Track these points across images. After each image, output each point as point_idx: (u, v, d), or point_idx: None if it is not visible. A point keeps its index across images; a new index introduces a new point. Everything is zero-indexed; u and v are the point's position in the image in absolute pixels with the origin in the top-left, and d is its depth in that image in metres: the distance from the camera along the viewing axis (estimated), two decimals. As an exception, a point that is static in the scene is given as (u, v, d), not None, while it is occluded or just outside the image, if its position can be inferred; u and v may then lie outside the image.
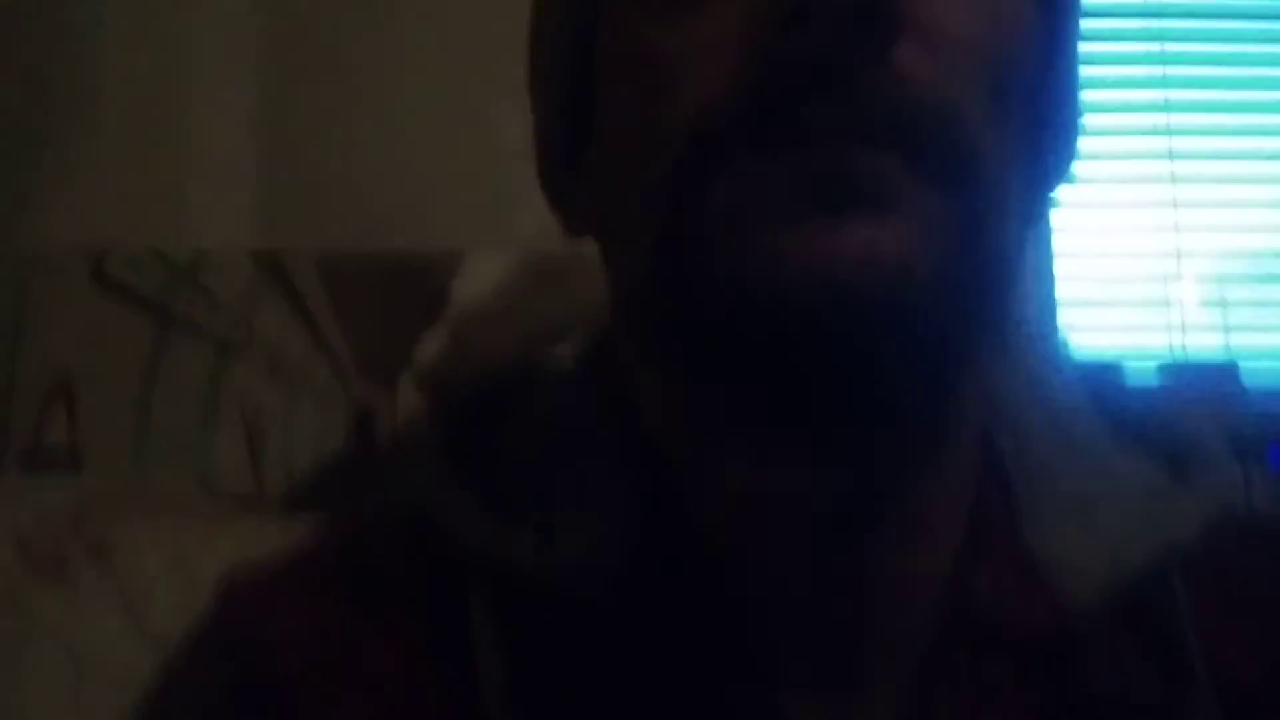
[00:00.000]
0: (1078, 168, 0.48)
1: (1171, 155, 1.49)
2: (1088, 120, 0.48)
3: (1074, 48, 0.46)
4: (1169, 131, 1.49)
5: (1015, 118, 0.40)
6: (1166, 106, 1.49)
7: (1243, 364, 1.38)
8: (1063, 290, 1.37)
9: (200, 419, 1.23)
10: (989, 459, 0.46)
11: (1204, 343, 1.48)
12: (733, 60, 0.37)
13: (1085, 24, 0.46)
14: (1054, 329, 1.31)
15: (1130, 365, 1.40)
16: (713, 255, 0.37)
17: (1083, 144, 0.48)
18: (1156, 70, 1.50)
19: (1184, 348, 1.46)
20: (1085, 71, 0.48)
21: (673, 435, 0.44)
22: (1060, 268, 1.37)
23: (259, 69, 1.30)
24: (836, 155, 0.35)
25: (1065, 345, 0.54)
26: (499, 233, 1.29)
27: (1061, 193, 0.48)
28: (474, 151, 1.30)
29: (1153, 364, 1.42)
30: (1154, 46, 1.50)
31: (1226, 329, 1.49)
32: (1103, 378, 0.51)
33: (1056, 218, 0.45)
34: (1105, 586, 0.42)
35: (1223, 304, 1.50)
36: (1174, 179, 1.49)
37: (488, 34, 1.30)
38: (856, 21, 0.35)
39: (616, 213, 0.43)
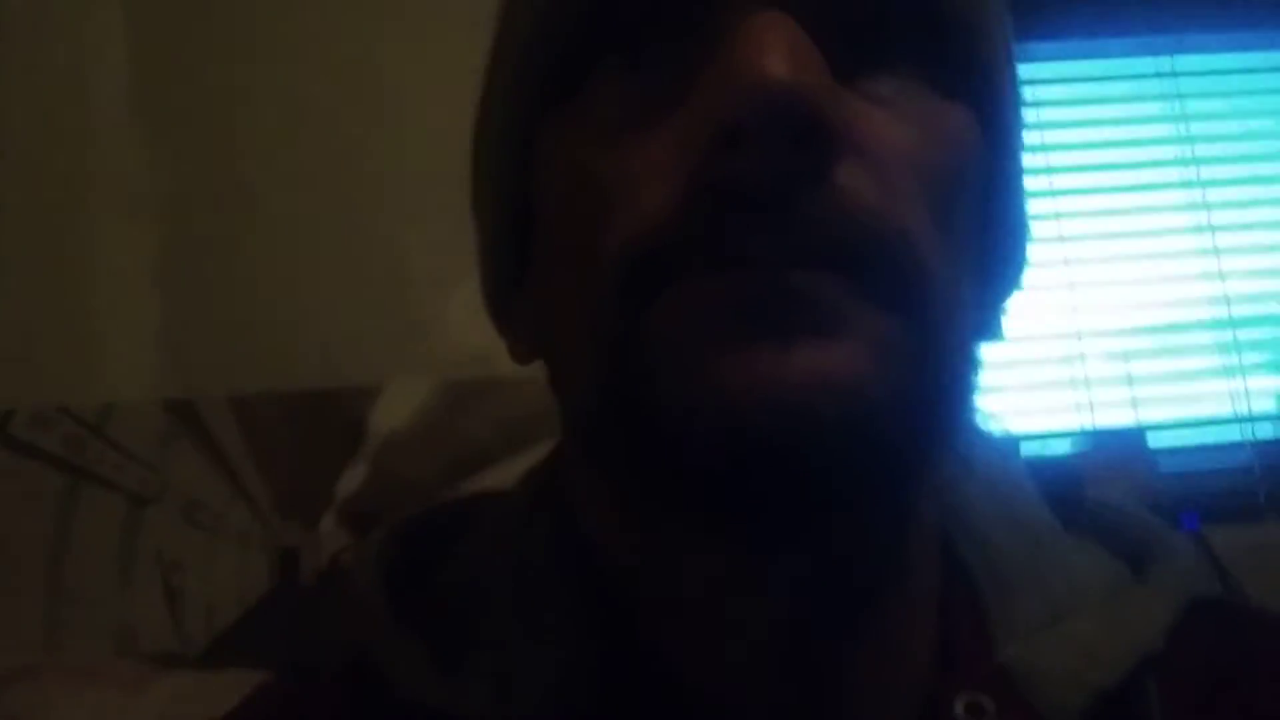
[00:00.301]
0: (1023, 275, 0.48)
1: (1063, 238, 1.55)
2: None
3: (1019, 159, 0.45)
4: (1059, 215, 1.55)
5: (963, 232, 0.40)
6: (1052, 192, 1.56)
7: (1150, 435, 1.41)
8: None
9: (115, 576, 1.20)
10: (952, 569, 0.45)
11: (1110, 418, 1.52)
12: (669, 186, 0.36)
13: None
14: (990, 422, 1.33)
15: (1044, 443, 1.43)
16: (658, 385, 0.35)
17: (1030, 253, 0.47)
18: (1039, 160, 1.56)
19: (1092, 424, 1.50)
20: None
21: (627, 562, 0.43)
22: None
23: (159, 215, 1.29)
24: (777, 279, 0.34)
25: (1009, 439, 0.53)
26: (413, 363, 1.28)
27: (1012, 301, 0.48)
28: (384, 283, 1.30)
29: (1063, 440, 1.45)
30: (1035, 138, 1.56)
31: (1132, 403, 1.53)
32: (1050, 471, 0.51)
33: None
34: (1085, 696, 0.41)
35: (1126, 379, 1.54)
36: (1067, 262, 1.55)
37: (393, 165, 1.31)
38: (793, 144, 0.34)
39: (559, 338, 0.42)
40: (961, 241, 0.40)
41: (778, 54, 0.34)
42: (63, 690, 1.04)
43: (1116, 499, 0.51)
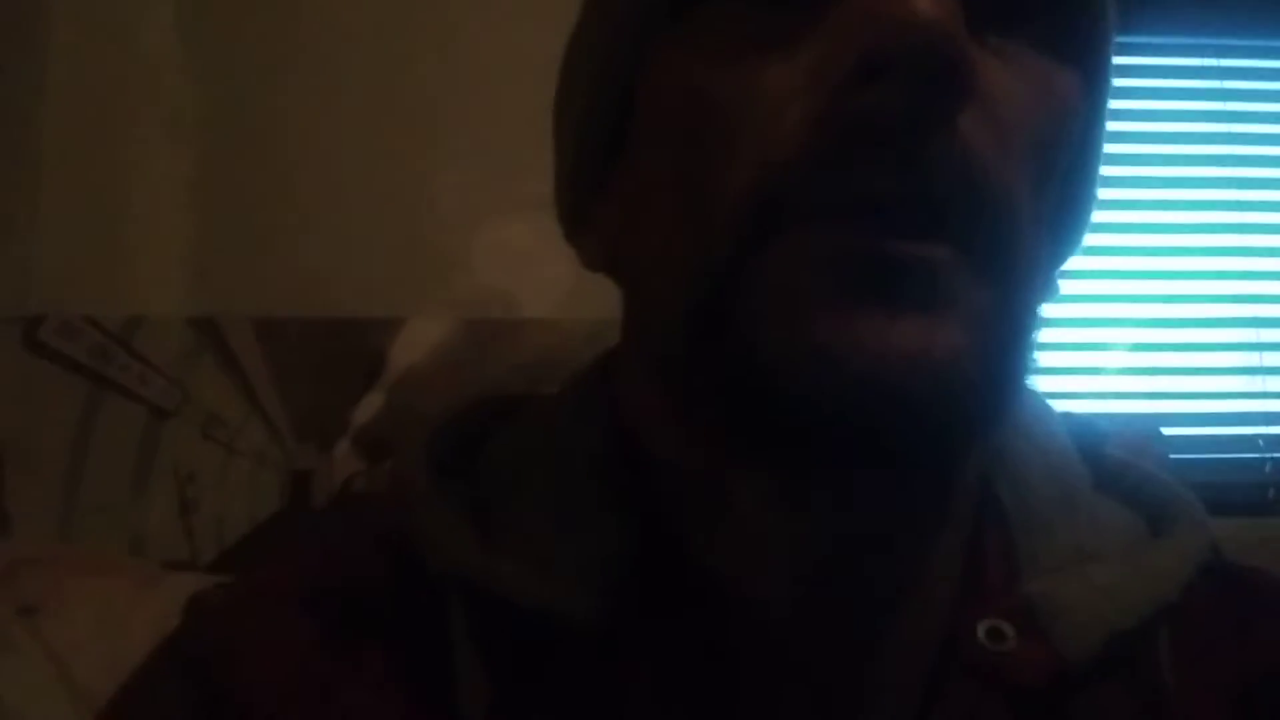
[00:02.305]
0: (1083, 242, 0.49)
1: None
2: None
3: (1104, 127, 0.46)
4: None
5: (1052, 194, 0.41)
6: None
7: (1164, 425, 1.41)
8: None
9: (132, 484, 1.22)
10: (986, 505, 0.46)
11: (1126, 407, 1.52)
12: (799, 115, 0.36)
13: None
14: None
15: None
16: (759, 334, 0.36)
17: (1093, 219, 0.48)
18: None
19: (1108, 413, 1.50)
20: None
21: (679, 472, 0.44)
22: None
23: (198, 136, 1.31)
24: (895, 242, 0.35)
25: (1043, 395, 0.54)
26: (436, 299, 1.30)
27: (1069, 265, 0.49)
28: (413, 219, 1.31)
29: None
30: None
31: (1149, 395, 1.53)
32: (1077, 426, 0.52)
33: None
34: (1102, 639, 0.41)
35: (1146, 369, 1.54)
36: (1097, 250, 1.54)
37: (428, 103, 1.32)
38: (930, 82, 0.34)
39: (651, 257, 0.42)
40: (1049, 204, 0.41)
41: None
42: (74, 578, 1.06)
43: (1137, 460, 0.52)
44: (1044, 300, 0.43)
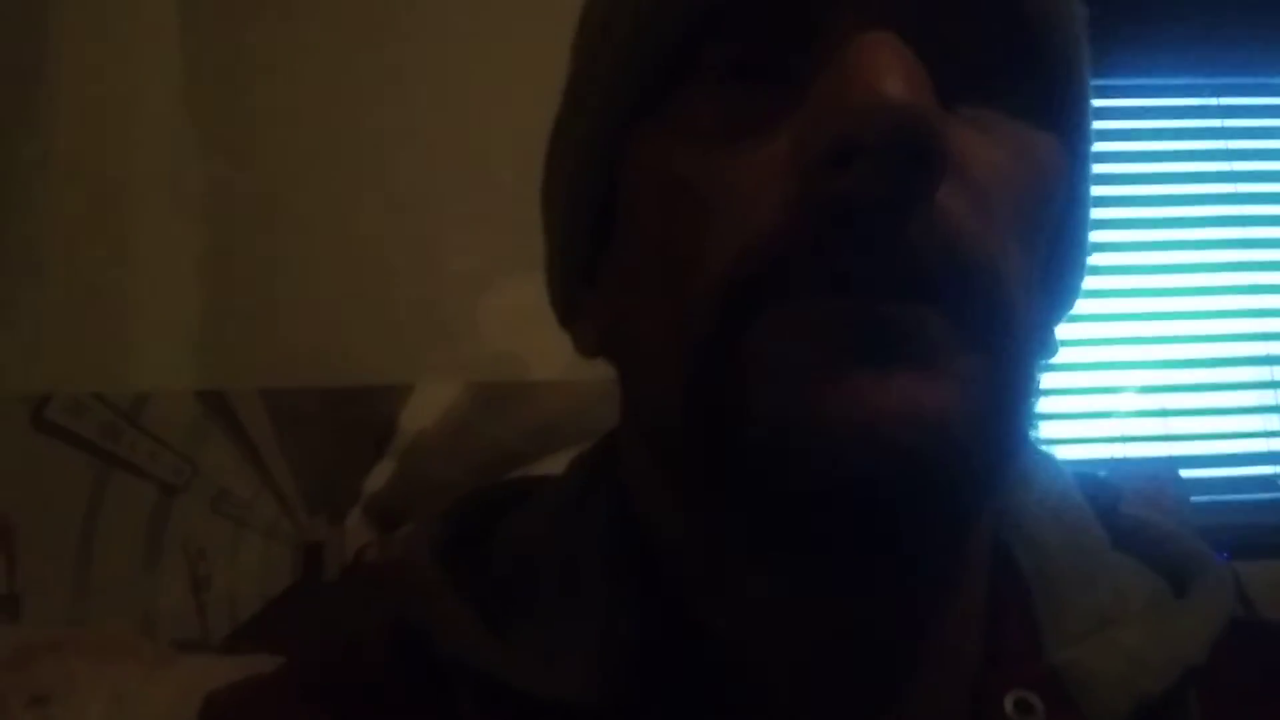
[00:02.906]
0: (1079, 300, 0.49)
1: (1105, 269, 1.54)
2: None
3: (1089, 186, 0.46)
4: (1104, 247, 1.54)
5: (1041, 256, 0.41)
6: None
7: (1183, 468, 1.40)
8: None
9: (142, 561, 1.21)
10: (1004, 571, 0.46)
11: (1144, 450, 1.51)
12: (776, 200, 0.36)
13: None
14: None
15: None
16: (752, 407, 0.36)
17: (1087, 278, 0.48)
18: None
19: (1124, 457, 1.48)
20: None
21: (684, 552, 0.44)
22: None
23: (201, 209, 1.31)
24: (878, 309, 0.35)
25: (1056, 454, 0.53)
26: (444, 364, 1.29)
27: (1065, 325, 0.49)
28: (418, 285, 1.31)
29: (1096, 469, 1.43)
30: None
31: (1166, 436, 1.52)
32: (1095, 487, 0.51)
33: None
34: (1132, 702, 0.41)
35: (1162, 412, 1.53)
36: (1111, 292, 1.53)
37: (432, 168, 1.33)
38: (905, 164, 0.34)
39: (639, 342, 0.42)
40: (1039, 266, 0.40)
41: (896, 75, 0.33)
42: (85, 664, 1.05)
43: (1154, 518, 0.51)
44: (1040, 360, 0.43)
